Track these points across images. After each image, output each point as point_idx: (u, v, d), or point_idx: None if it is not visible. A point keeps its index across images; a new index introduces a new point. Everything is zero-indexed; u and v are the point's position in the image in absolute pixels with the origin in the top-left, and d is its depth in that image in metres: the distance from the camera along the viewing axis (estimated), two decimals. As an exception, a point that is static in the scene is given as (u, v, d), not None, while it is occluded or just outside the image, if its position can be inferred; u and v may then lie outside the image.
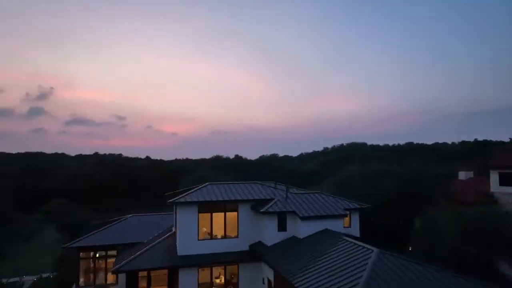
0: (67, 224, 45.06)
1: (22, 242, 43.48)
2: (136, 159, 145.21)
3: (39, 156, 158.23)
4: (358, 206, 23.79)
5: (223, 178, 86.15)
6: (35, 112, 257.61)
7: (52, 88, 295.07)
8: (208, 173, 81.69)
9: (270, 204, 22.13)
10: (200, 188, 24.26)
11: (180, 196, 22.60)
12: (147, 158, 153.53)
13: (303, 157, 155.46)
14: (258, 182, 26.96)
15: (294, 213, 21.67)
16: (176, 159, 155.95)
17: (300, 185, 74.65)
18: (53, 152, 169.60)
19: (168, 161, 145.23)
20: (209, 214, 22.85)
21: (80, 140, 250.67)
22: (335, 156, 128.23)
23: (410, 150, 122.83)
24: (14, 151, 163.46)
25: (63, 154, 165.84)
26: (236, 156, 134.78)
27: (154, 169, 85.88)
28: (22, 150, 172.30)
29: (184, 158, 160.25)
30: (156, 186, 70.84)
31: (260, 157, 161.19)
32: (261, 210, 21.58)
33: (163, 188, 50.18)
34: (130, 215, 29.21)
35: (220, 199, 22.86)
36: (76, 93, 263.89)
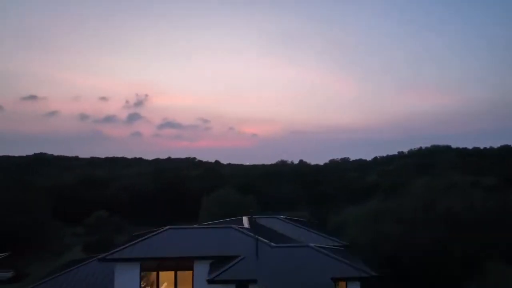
0: (92, 243, 44.08)
1: (53, 258, 43.42)
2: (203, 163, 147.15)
3: (120, 160, 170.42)
4: (364, 275, 16.39)
5: (275, 189, 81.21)
6: (133, 117, 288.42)
7: (146, 95, 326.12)
8: (258, 182, 77.41)
9: (225, 268, 16.16)
10: (154, 235, 19.24)
11: (118, 249, 17.81)
12: (216, 162, 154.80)
13: (377, 161, 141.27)
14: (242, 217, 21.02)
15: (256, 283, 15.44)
16: (230, 164, 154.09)
17: (354, 200, 65.83)
18: (133, 157, 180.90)
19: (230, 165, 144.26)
20: (155, 273, 17.70)
21: (171, 142, 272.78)
22: (412, 160, 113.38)
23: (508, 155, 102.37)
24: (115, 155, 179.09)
25: (140, 159, 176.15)
26: (301, 161, 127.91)
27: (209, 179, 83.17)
28: (119, 154, 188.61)
29: (251, 164, 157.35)
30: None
31: (330, 161, 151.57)
32: (207, 278, 15.73)
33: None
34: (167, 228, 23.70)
35: (170, 255, 17.59)
36: (166, 99, 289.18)
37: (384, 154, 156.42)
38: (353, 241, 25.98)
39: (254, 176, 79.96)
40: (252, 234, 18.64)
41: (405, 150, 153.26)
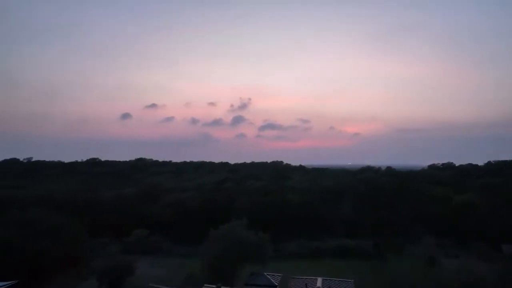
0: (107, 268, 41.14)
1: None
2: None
3: (206, 164, 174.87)
4: None
5: (338, 207, 69.31)
6: (237, 120, 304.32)
7: (249, 99, 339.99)
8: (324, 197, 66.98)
9: None
10: None
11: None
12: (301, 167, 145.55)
13: (489, 167, 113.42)
14: None
15: None
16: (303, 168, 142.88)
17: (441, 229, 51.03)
18: (217, 160, 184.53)
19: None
20: None
21: (271, 142, 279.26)
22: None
23: None
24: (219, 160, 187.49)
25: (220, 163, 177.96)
26: (388, 168, 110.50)
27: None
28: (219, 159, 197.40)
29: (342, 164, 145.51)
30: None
31: (430, 166, 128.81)
32: None
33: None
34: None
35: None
36: (268, 101, 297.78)
37: (504, 159, 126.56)
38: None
39: (317, 190, 69.52)
40: None
41: None
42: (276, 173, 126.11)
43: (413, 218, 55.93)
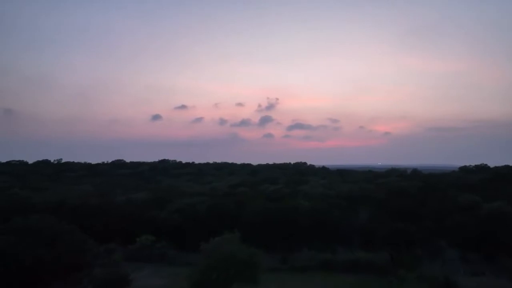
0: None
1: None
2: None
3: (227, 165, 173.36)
4: None
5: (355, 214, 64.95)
6: (264, 120, 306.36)
7: (277, 99, 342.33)
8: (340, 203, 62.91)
9: None
10: None
11: None
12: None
13: None
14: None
15: None
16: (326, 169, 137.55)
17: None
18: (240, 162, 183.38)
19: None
20: None
21: (299, 142, 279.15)
22: None
23: None
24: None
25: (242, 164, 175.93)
26: (413, 171, 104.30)
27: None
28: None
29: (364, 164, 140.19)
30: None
31: (461, 168, 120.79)
32: None
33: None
34: None
35: None
36: (296, 101, 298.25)
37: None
38: None
39: (332, 195, 65.75)
40: None
41: None
42: (296, 175, 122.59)
43: (435, 229, 51.19)
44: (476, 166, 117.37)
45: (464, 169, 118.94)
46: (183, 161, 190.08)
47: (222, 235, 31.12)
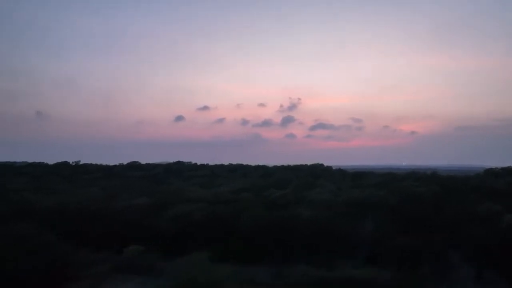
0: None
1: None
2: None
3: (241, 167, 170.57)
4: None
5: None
6: (286, 120, 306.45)
7: (299, 99, 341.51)
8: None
9: None
10: None
11: None
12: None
13: None
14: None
15: None
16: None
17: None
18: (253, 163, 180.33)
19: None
20: None
21: (322, 142, 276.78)
22: None
23: None
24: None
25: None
26: (433, 174, 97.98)
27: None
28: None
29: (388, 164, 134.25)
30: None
31: (486, 170, 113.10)
32: None
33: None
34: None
35: None
36: (318, 101, 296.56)
37: None
38: None
39: (338, 202, 61.46)
40: None
41: None
42: (308, 178, 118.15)
43: (448, 241, 46.24)
44: (502, 168, 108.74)
45: (490, 171, 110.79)
46: (198, 163, 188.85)
47: (190, 255, 28.04)
